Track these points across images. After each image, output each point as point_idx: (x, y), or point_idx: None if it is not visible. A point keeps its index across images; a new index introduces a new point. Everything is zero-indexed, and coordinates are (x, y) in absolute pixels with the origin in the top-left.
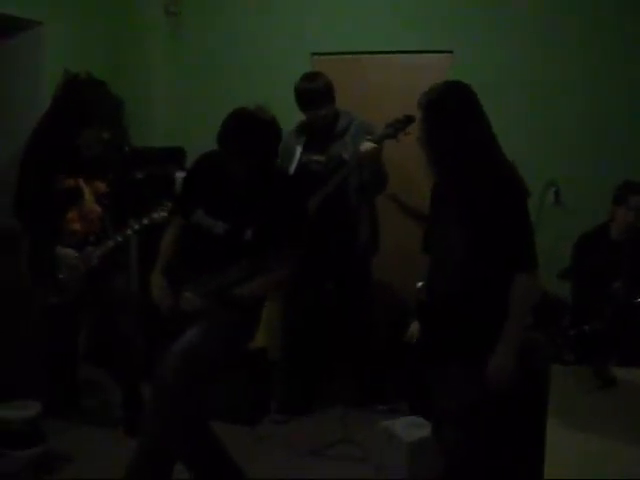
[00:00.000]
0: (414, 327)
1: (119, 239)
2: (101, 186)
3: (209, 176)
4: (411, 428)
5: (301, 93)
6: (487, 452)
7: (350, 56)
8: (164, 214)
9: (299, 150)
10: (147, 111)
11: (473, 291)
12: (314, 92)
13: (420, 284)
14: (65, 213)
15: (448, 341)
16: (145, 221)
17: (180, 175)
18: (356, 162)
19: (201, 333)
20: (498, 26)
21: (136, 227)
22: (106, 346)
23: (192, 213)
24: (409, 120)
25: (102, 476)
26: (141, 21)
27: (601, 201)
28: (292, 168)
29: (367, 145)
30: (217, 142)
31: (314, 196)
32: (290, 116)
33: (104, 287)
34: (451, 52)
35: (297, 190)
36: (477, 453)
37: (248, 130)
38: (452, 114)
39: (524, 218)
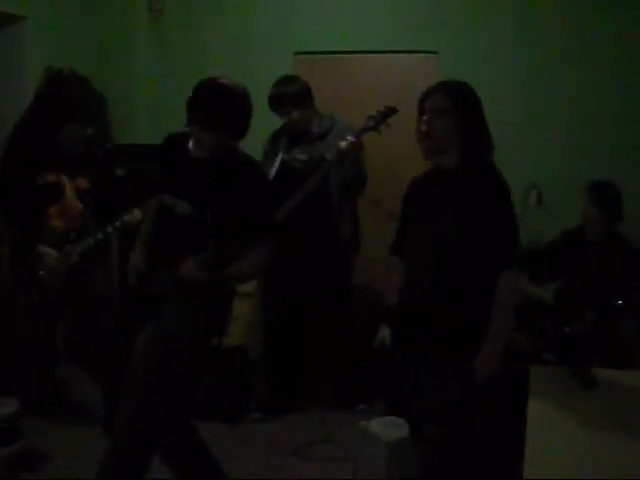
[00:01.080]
0: (384, 332)
1: (100, 236)
2: (83, 183)
3: (173, 156)
4: (390, 428)
5: (271, 97)
6: (473, 452)
7: (334, 55)
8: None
9: (282, 149)
10: (130, 108)
11: (469, 289)
12: (283, 96)
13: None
14: (46, 209)
15: (440, 340)
16: (126, 218)
17: None
18: (337, 158)
19: (168, 321)
20: (483, 27)
21: (117, 224)
22: (86, 344)
23: (162, 194)
24: (391, 111)
25: (81, 474)
26: (125, 18)
27: (583, 202)
28: (274, 168)
29: (346, 140)
30: (186, 110)
31: (296, 194)
32: (274, 115)
33: (85, 285)
34: (436, 53)
35: (264, 177)
36: (465, 453)
37: (220, 99)
38: (478, 107)
39: (514, 218)
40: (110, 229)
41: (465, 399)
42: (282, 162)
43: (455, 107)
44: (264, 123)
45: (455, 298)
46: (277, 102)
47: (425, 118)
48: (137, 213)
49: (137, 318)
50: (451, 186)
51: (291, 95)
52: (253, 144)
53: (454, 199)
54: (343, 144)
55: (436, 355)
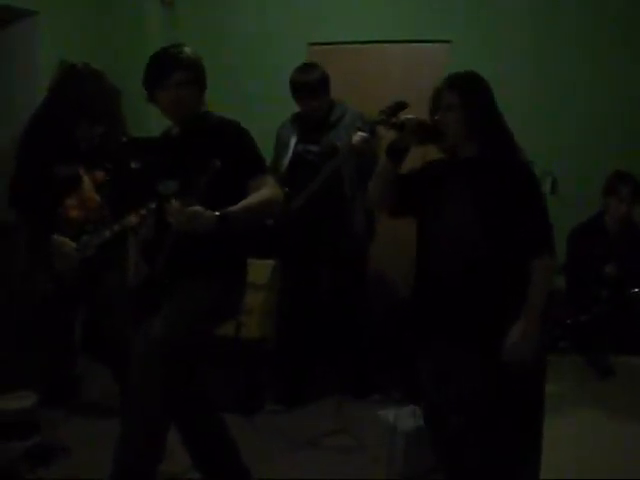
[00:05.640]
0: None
1: (116, 229)
2: (100, 176)
3: (162, 143)
4: (407, 417)
5: (295, 84)
6: (495, 441)
7: (347, 46)
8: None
9: (294, 140)
10: (143, 101)
11: (494, 278)
12: (308, 83)
13: None
14: (62, 201)
15: (464, 328)
16: (143, 212)
17: None
18: (348, 152)
19: (174, 310)
20: (496, 15)
21: (132, 220)
22: (102, 337)
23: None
24: (400, 106)
25: (99, 468)
26: (137, 11)
27: (598, 191)
28: (287, 158)
29: (358, 135)
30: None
31: (309, 186)
32: (287, 106)
33: (101, 278)
34: (449, 42)
35: (243, 129)
36: (488, 442)
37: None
38: (490, 99)
39: (545, 204)
40: (127, 223)
41: (488, 388)
42: (295, 154)
43: (465, 102)
44: (278, 111)
45: (479, 285)
46: (301, 88)
47: (437, 117)
48: (133, 218)
49: (149, 311)
50: (476, 174)
51: (312, 83)
52: (267, 132)
53: (479, 187)
54: (354, 141)
55: (460, 344)
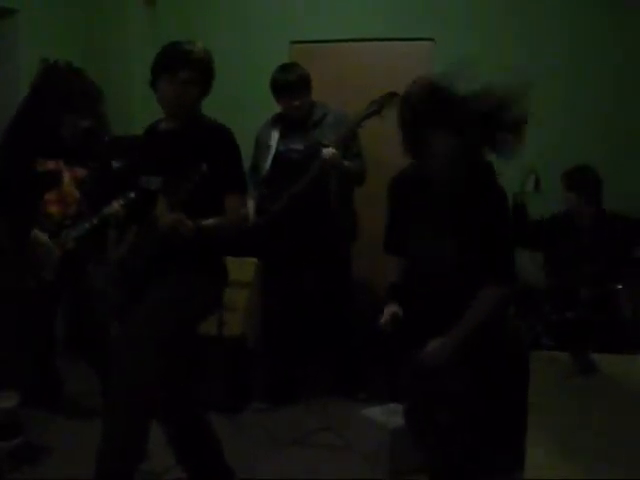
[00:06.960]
0: (388, 311)
1: (95, 221)
2: (81, 172)
3: (146, 138)
4: (392, 415)
5: (276, 83)
6: (481, 437)
7: (330, 44)
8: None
9: (275, 139)
10: (125, 100)
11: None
12: (288, 82)
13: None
14: (42, 196)
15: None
16: (122, 201)
17: None
18: (323, 169)
19: (151, 308)
20: (479, 14)
21: (114, 208)
22: (84, 335)
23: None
24: (391, 97)
25: (82, 467)
26: (118, 10)
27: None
28: (269, 157)
29: (328, 151)
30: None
31: (292, 185)
32: (269, 105)
33: (81, 274)
34: (432, 40)
35: (232, 136)
36: (475, 439)
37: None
38: None
39: (507, 232)
40: (106, 213)
41: (475, 388)
42: (278, 153)
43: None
44: (260, 110)
45: (465, 292)
46: (282, 88)
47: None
48: (115, 205)
49: (129, 305)
50: (441, 195)
51: (293, 82)
52: (248, 131)
53: (444, 210)
54: (326, 153)
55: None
